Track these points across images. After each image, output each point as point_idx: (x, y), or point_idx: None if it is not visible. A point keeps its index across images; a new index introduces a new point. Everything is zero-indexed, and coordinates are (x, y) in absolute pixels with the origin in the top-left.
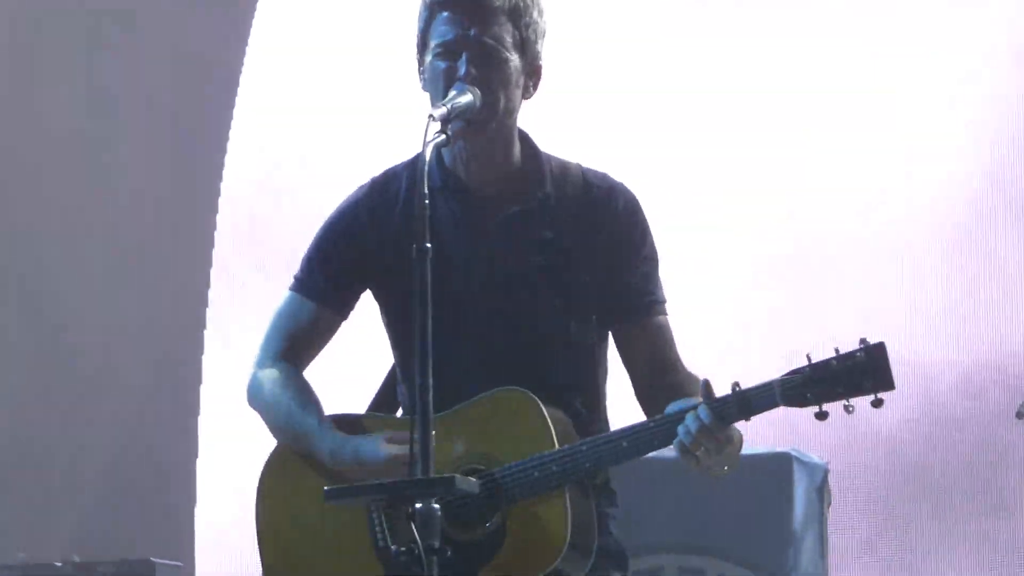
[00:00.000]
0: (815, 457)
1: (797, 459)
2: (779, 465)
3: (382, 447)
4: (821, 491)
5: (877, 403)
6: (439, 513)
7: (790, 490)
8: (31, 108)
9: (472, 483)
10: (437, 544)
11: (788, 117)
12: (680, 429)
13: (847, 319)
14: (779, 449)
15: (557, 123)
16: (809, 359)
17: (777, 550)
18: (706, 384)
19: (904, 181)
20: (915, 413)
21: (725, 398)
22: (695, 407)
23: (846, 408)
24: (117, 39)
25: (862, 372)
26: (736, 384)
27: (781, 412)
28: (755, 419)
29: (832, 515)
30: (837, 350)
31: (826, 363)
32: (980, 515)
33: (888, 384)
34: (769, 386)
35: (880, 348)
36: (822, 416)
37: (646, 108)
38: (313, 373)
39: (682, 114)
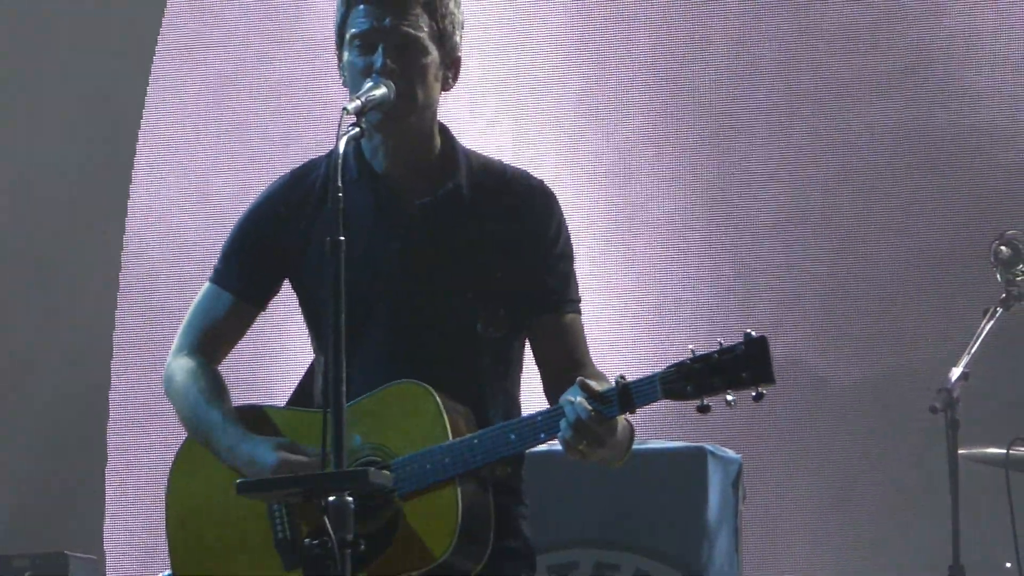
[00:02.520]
0: (730, 451)
1: (712, 453)
2: (694, 459)
3: (272, 452)
4: (736, 485)
5: (758, 397)
6: (352, 506)
7: (705, 484)
8: None
9: (386, 476)
10: (350, 537)
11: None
12: (561, 423)
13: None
14: (694, 443)
15: None
16: (693, 352)
17: (692, 544)
18: (580, 381)
19: None
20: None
21: (608, 390)
22: (575, 400)
23: (727, 402)
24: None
25: (742, 365)
26: (621, 377)
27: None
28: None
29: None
30: (720, 343)
31: (707, 356)
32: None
33: (768, 378)
34: (651, 379)
35: (761, 341)
36: (704, 409)
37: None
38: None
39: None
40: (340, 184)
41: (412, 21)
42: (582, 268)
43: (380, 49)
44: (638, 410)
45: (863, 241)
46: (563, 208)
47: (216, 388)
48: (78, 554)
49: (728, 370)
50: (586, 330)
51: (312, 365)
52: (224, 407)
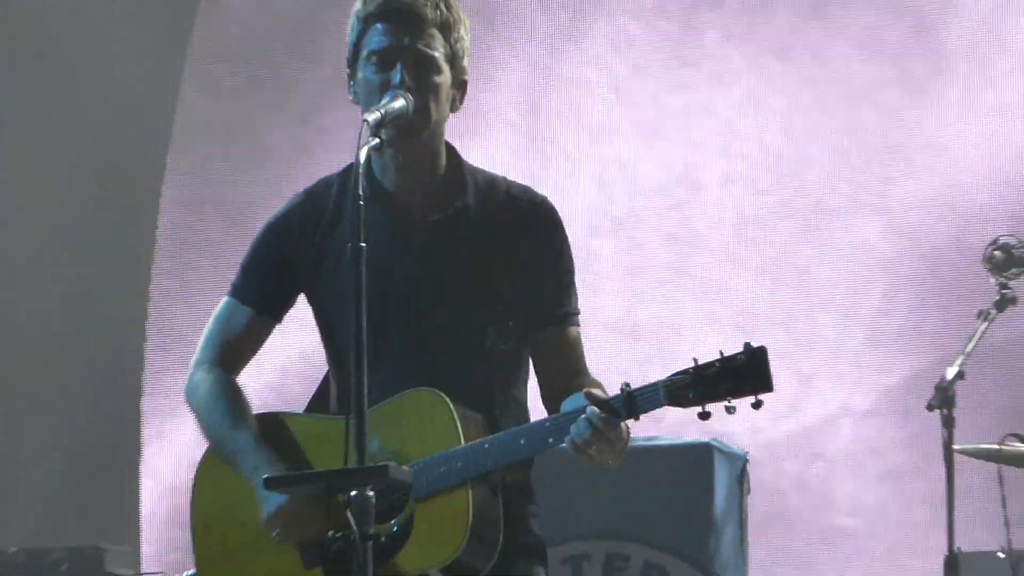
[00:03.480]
0: (735, 447)
1: (718, 449)
2: (700, 455)
3: (272, 509)
4: (741, 480)
5: (757, 404)
6: (373, 500)
7: (711, 479)
8: None
9: (405, 471)
10: (372, 530)
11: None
12: (573, 429)
13: None
14: (700, 440)
15: None
16: (695, 361)
17: (699, 537)
18: (587, 393)
19: None
20: None
21: (615, 397)
22: (586, 407)
23: (727, 409)
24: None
25: (743, 374)
26: (626, 385)
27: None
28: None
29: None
30: (721, 352)
31: (709, 365)
32: None
33: (767, 386)
34: (655, 387)
35: (761, 352)
36: (705, 416)
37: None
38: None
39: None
40: (360, 192)
41: (428, 41)
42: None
43: (399, 66)
44: None
45: (861, 247)
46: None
47: (239, 404)
48: (114, 547)
49: (729, 378)
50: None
51: (327, 374)
52: (249, 428)
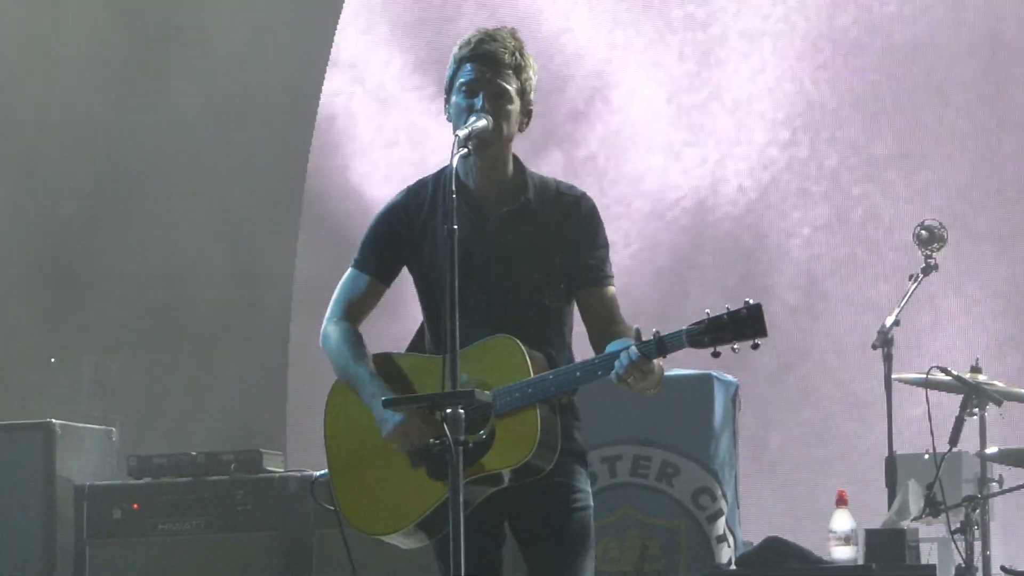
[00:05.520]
0: (730, 377)
1: (716, 378)
2: (703, 382)
3: (391, 427)
4: (734, 401)
5: (755, 346)
6: (464, 416)
7: (711, 400)
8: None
9: (486, 395)
10: (462, 439)
11: None
12: (616, 363)
13: None
14: (704, 371)
15: None
16: (708, 314)
17: (703, 443)
18: (637, 331)
19: None
20: None
21: (648, 341)
22: (627, 348)
23: (733, 349)
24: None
25: (745, 323)
26: (657, 331)
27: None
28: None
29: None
30: (728, 308)
31: (719, 317)
32: None
33: (763, 332)
34: (679, 333)
35: (757, 307)
36: (716, 355)
37: None
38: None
39: None
40: (454, 188)
41: (505, 78)
42: None
43: (482, 95)
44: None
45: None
46: None
47: (360, 347)
48: (268, 451)
49: (735, 327)
50: None
51: (422, 325)
52: (368, 366)
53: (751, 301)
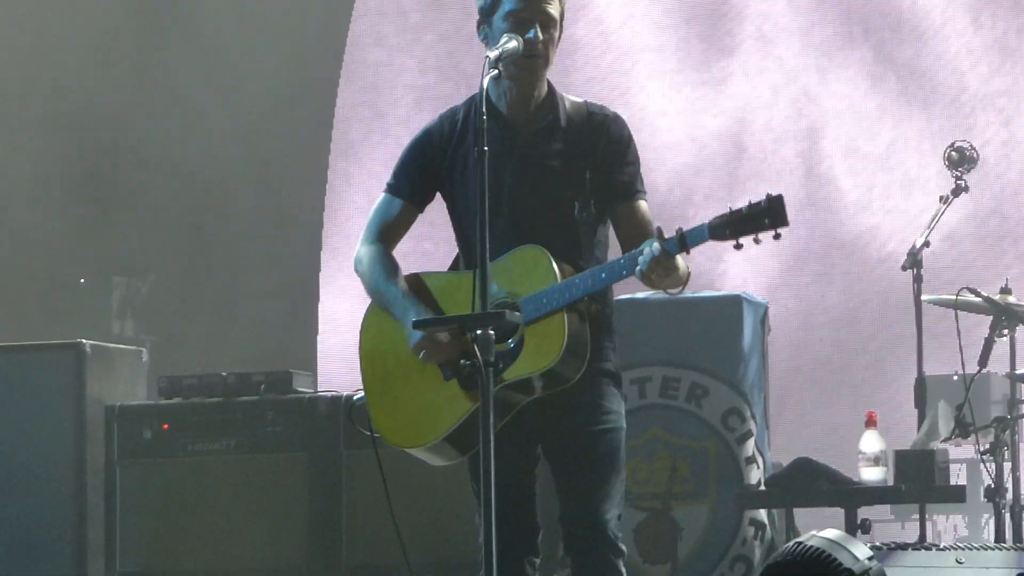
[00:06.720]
0: (759, 297)
1: (746, 300)
2: (732, 303)
3: (419, 338)
4: (762, 322)
5: (777, 236)
6: (493, 337)
7: (740, 322)
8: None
9: (517, 316)
10: (492, 359)
11: None
12: (640, 259)
13: None
14: (733, 292)
15: None
16: (729, 208)
17: (732, 364)
18: (658, 229)
19: None
20: None
21: (671, 237)
22: (651, 244)
23: (755, 240)
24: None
25: (765, 214)
26: (679, 228)
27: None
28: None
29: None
30: (750, 201)
31: (740, 209)
32: None
33: (784, 222)
34: (701, 227)
35: (779, 198)
36: (738, 247)
37: None
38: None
39: None
40: (484, 110)
41: (553, 5)
42: None
43: (537, 25)
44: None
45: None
46: None
47: (392, 268)
48: (299, 372)
49: (756, 217)
50: None
51: (458, 255)
52: (400, 285)
53: (772, 193)
